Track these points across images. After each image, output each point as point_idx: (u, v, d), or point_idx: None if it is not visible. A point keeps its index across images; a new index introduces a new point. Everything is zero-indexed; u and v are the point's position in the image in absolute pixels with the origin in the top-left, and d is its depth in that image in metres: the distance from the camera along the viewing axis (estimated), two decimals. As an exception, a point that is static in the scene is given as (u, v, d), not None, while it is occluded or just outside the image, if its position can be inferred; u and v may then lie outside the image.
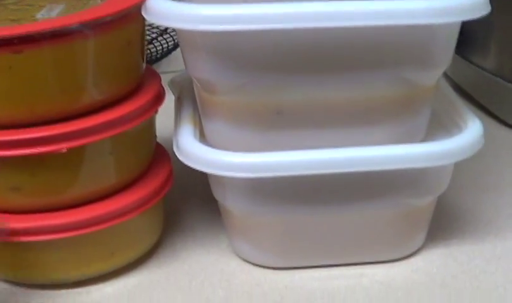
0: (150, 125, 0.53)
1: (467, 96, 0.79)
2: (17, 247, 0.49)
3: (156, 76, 0.53)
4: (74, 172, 0.48)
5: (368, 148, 0.45)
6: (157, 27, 0.94)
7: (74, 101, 0.46)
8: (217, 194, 0.51)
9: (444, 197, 0.57)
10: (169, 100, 0.55)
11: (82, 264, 0.50)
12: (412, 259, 0.53)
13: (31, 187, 0.48)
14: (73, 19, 0.45)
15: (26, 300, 0.50)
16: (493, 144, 0.70)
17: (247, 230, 0.51)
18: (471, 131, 0.47)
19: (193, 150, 0.47)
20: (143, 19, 0.46)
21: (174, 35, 0.91)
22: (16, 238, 0.48)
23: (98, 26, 0.46)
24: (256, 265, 0.52)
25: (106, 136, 0.47)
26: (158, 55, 0.92)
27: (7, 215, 0.48)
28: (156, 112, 0.52)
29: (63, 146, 0.45)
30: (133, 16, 0.47)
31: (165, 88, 0.54)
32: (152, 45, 0.93)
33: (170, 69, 0.84)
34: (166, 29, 0.92)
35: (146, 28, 0.90)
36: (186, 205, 0.61)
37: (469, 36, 0.75)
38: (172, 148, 0.50)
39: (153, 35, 0.93)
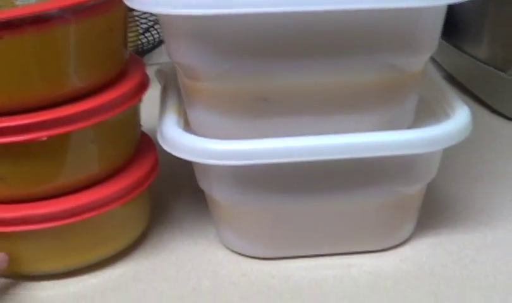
0: (134, 114, 0.52)
1: (460, 86, 0.78)
2: (0, 238, 0.48)
3: (140, 64, 0.52)
4: (57, 161, 0.47)
5: (355, 134, 0.45)
6: (149, 18, 0.93)
7: (56, 89, 0.46)
8: (203, 183, 0.50)
9: (436, 187, 0.57)
10: (157, 89, 0.55)
11: (66, 255, 0.50)
12: (401, 248, 0.52)
13: (14, 177, 0.47)
14: (53, 4, 0.44)
15: (11, 291, 0.50)
16: (486, 134, 0.69)
17: (234, 220, 0.51)
18: (459, 118, 0.46)
19: (176, 138, 0.46)
20: (125, 5, 0.45)
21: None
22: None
23: (79, 11, 0.45)
24: (244, 255, 0.52)
25: (88, 124, 0.46)
26: (150, 46, 0.91)
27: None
28: (140, 100, 0.51)
29: (43, 135, 0.44)
30: (115, 1, 0.46)
31: (152, 77, 0.53)
32: (143, 36, 0.92)
33: (162, 59, 0.83)
34: (158, 20, 0.91)
35: (139, 19, 0.91)
36: (173, 195, 0.60)
37: (462, 25, 0.75)
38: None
39: (145, 26, 0.93)
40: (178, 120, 0.49)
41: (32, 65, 0.44)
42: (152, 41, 0.91)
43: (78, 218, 0.47)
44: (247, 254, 0.52)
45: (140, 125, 0.54)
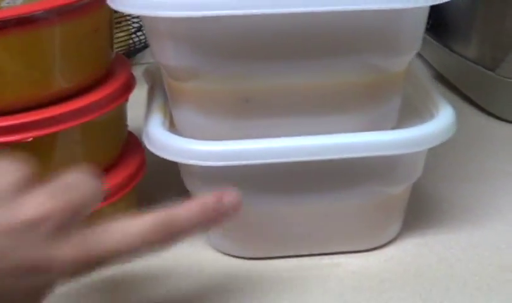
0: (120, 114, 0.52)
1: (449, 85, 0.78)
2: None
3: (126, 64, 0.52)
4: (42, 161, 0.47)
5: (338, 135, 0.45)
6: (139, 18, 0.93)
7: (41, 89, 0.46)
8: (188, 183, 0.50)
9: (422, 186, 0.57)
10: (145, 89, 0.55)
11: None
12: (386, 248, 0.52)
13: None
14: (38, 6, 0.44)
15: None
16: (474, 133, 0.69)
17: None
18: (443, 118, 0.46)
19: (160, 139, 0.46)
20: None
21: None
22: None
23: (64, 13, 0.45)
24: (230, 255, 0.52)
25: (74, 125, 0.46)
26: (141, 46, 0.91)
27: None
28: (126, 100, 0.51)
29: (28, 136, 0.45)
30: (100, 2, 0.46)
31: (139, 78, 0.53)
32: (135, 35, 0.92)
33: (152, 60, 0.83)
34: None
35: (130, 18, 0.91)
36: (160, 195, 0.60)
37: (451, 25, 0.75)
38: (147, 138, 0.49)
39: (137, 25, 0.93)
40: (163, 120, 0.49)
41: (17, 67, 0.45)
42: (144, 41, 0.91)
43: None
44: (233, 254, 0.52)
45: (127, 125, 0.54)
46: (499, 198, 0.58)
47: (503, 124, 0.72)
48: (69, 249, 0.34)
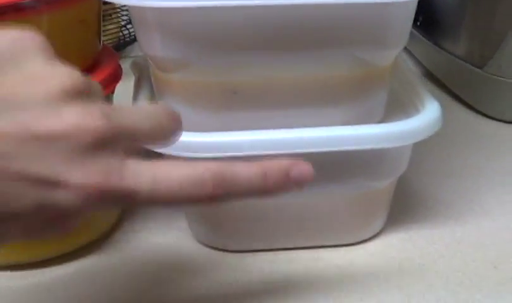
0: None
1: (438, 82, 0.79)
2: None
3: (113, 56, 0.52)
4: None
5: (324, 128, 0.45)
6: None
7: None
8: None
9: (408, 182, 0.58)
10: (133, 82, 0.55)
11: (36, 246, 0.50)
12: (371, 243, 0.52)
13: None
14: (25, -6, 0.44)
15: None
16: (461, 130, 0.70)
17: (205, 214, 0.51)
18: (428, 112, 0.46)
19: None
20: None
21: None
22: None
23: (52, 2, 0.45)
24: (214, 248, 0.52)
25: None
26: (131, 38, 0.91)
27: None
28: (112, 91, 0.51)
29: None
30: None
31: (128, 71, 0.53)
32: (125, 28, 0.92)
33: (141, 53, 0.83)
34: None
35: (120, 11, 0.91)
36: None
37: (440, 22, 0.75)
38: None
39: (127, 18, 0.93)
40: (150, 112, 0.49)
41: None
42: (134, 34, 0.91)
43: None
44: (217, 247, 0.52)
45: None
46: (483, 194, 0.59)
47: (490, 121, 0.72)
48: (90, 172, 0.30)
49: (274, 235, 0.51)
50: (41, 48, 0.32)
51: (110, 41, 0.86)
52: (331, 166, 0.47)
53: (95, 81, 0.33)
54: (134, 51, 0.90)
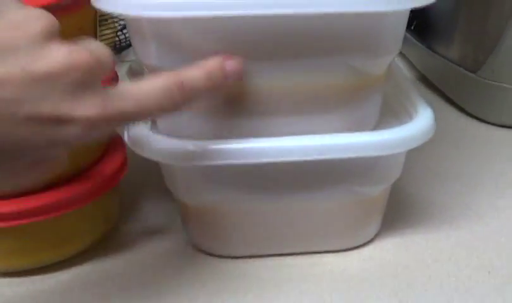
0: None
1: (431, 86, 0.79)
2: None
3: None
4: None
5: (318, 136, 0.45)
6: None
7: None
8: (169, 183, 0.50)
9: (401, 186, 0.58)
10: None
11: (34, 252, 0.50)
12: (365, 248, 0.53)
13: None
14: (21, 5, 0.44)
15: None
16: (455, 134, 0.70)
17: (200, 220, 0.51)
18: (421, 120, 0.47)
19: (142, 138, 0.46)
20: (94, 5, 0.45)
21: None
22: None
23: (53, 10, 0.44)
24: (210, 254, 0.52)
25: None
26: (127, 43, 0.91)
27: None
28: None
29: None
30: (84, 2, 0.46)
31: (124, 76, 0.54)
32: (121, 33, 0.92)
33: (137, 57, 0.83)
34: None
35: (115, 17, 0.91)
36: (142, 193, 0.61)
37: (434, 26, 0.76)
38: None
39: (123, 23, 0.93)
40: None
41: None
42: (129, 39, 0.91)
43: (45, 217, 0.48)
44: (214, 253, 0.52)
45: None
46: (476, 199, 0.59)
47: (483, 125, 0.72)
48: (89, 104, 0.34)
49: (270, 241, 0.51)
50: None
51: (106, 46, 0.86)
52: (325, 174, 0.47)
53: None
54: (130, 55, 0.90)
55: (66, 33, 0.46)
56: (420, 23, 0.79)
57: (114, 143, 0.54)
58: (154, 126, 0.49)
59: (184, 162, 0.45)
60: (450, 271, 0.50)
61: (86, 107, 0.34)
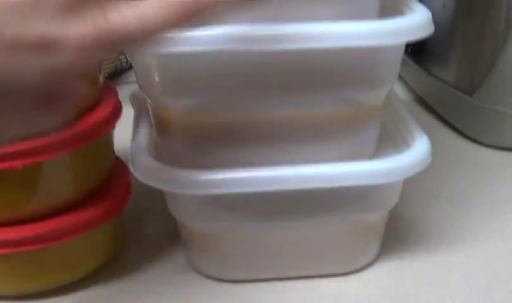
0: (107, 141, 0.53)
1: (428, 108, 0.80)
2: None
3: (113, 92, 0.53)
4: (29, 187, 0.48)
5: (317, 165, 0.46)
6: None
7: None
8: (173, 209, 0.51)
9: (399, 209, 0.59)
10: (131, 113, 0.56)
11: (38, 277, 0.51)
12: (364, 272, 0.54)
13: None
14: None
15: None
16: (452, 157, 0.71)
17: (203, 245, 0.52)
18: (418, 148, 0.48)
19: (146, 167, 0.47)
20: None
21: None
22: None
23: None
24: (212, 278, 0.53)
25: (62, 153, 0.47)
26: (129, 65, 0.92)
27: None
28: (113, 128, 0.52)
29: (18, 163, 0.46)
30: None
31: (126, 97, 0.54)
32: (122, 55, 0.93)
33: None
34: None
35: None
36: (145, 219, 0.61)
37: (431, 49, 0.77)
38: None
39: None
40: (149, 147, 0.50)
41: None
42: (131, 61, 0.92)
43: (50, 243, 0.49)
44: (216, 278, 0.53)
45: (113, 151, 0.55)
46: (473, 222, 0.60)
47: (480, 147, 0.73)
48: (80, 24, 0.31)
49: (270, 265, 0.52)
50: None
51: (108, 68, 0.88)
52: (324, 201, 0.48)
53: None
54: (132, 77, 0.91)
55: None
56: (416, 46, 0.80)
57: (119, 169, 0.55)
58: (158, 153, 0.50)
59: (185, 191, 0.46)
60: (447, 294, 0.51)
61: (77, 27, 0.31)
